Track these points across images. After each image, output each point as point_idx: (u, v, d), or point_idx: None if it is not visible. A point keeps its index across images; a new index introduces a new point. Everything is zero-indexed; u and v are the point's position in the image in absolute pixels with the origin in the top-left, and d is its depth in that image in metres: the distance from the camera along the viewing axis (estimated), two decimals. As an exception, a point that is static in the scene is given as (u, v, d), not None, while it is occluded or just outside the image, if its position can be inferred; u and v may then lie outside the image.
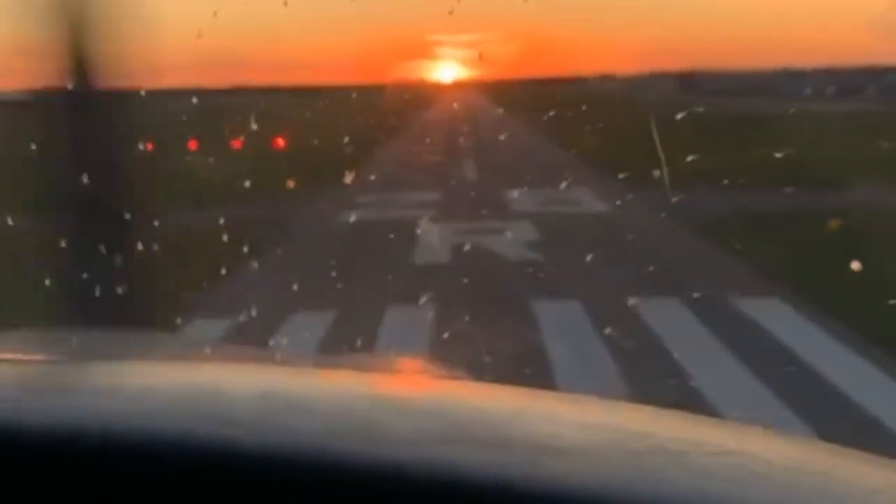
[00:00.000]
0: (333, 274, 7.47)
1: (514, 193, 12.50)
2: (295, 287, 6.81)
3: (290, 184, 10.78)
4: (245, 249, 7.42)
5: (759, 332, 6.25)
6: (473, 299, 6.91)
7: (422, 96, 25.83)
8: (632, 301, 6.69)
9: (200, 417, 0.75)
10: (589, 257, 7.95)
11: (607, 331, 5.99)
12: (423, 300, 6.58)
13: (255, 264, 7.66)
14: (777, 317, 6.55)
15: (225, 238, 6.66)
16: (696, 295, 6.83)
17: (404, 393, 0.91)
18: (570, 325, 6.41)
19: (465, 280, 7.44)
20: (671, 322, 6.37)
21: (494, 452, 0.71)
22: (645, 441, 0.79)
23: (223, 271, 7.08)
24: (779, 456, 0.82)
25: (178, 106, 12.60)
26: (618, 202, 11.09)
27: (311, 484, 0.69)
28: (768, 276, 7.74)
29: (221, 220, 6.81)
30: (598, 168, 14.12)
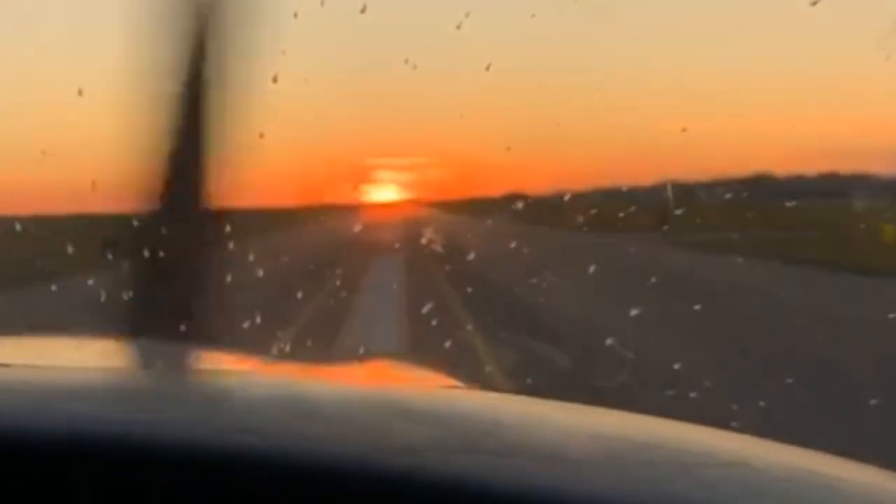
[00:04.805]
0: None
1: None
2: None
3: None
4: None
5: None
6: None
7: (355, 216, 21.30)
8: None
9: (216, 427, 0.77)
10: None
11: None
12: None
13: None
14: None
15: None
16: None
17: (415, 401, 0.92)
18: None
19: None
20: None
21: (502, 461, 0.72)
22: (652, 452, 0.80)
23: None
24: (784, 467, 0.83)
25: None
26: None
27: (325, 490, 0.70)
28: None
29: None
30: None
